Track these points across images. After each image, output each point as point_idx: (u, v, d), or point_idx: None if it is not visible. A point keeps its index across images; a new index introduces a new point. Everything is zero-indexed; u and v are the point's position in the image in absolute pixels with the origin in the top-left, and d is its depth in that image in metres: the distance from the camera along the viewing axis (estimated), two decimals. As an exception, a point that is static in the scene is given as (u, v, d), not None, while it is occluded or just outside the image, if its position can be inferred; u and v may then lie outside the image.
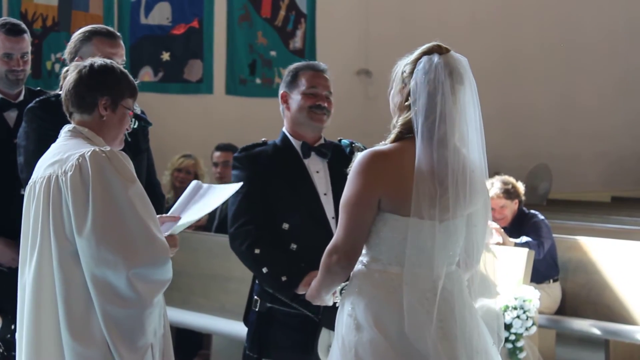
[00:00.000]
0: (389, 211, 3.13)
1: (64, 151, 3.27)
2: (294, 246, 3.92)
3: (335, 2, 10.58)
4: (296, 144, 4.05)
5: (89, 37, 4.17)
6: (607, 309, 6.45)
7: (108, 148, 3.26)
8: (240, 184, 3.72)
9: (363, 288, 3.18)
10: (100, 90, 3.34)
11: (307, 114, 4.01)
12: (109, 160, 3.20)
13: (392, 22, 10.84)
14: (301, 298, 3.72)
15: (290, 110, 4.05)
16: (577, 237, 6.87)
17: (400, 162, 3.12)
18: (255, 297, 4.02)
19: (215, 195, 3.55)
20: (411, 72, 3.15)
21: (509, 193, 6.78)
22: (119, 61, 4.01)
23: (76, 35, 4.23)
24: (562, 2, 12.60)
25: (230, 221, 3.99)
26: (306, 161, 4.03)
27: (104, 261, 3.14)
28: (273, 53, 10.08)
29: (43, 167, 3.31)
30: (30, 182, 3.34)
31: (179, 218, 3.47)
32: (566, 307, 6.68)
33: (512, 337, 5.82)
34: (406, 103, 3.16)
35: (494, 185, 6.75)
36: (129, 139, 3.93)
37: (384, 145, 3.18)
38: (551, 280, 6.65)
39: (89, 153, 3.20)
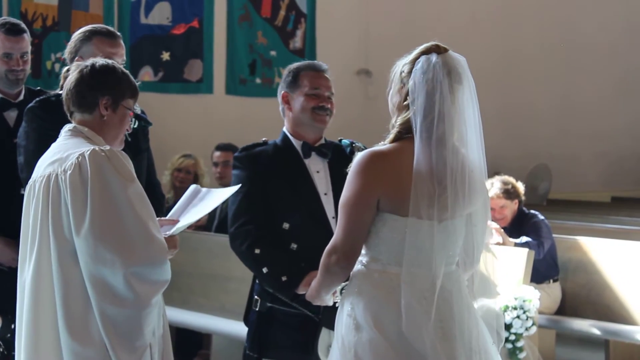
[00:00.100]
0: (388, 211, 3.13)
1: (64, 150, 3.28)
2: (294, 246, 3.92)
3: (335, 2, 10.57)
4: (297, 143, 4.05)
5: (89, 36, 4.17)
6: (607, 309, 6.45)
7: (108, 147, 3.27)
8: (239, 185, 3.72)
9: (362, 288, 3.18)
10: (102, 89, 3.35)
11: (310, 115, 4.01)
12: (108, 159, 3.21)
13: (392, 22, 10.84)
14: (301, 298, 3.72)
15: (292, 110, 4.05)
16: (577, 237, 6.87)
17: (399, 162, 3.12)
18: (256, 296, 4.02)
19: (214, 198, 3.56)
20: (409, 72, 3.15)
21: (509, 193, 6.78)
22: (119, 61, 4.01)
23: (76, 35, 4.23)
24: (562, 2, 12.59)
25: (230, 221, 3.99)
26: (307, 161, 4.03)
27: (102, 260, 3.15)
28: (273, 53, 10.08)
29: (43, 166, 3.32)
30: (30, 181, 3.35)
31: (177, 221, 3.47)
32: (566, 307, 6.68)
33: (512, 337, 5.82)
34: (405, 103, 3.16)
35: (494, 186, 6.75)
36: (129, 139, 3.93)
37: (383, 145, 3.18)
38: (551, 281, 6.65)
39: (89, 152, 3.21)
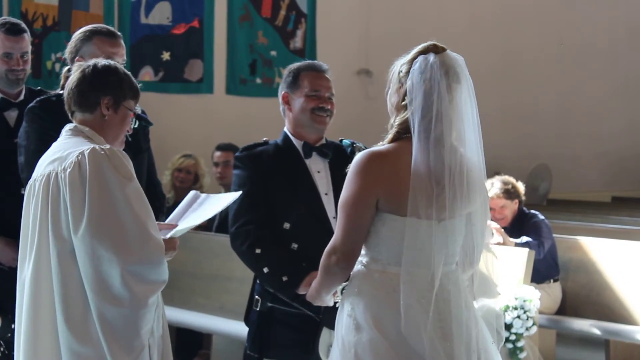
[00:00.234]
0: (387, 211, 3.13)
1: (64, 149, 3.29)
2: (295, 246, 3.92)
3: (335, 1, 10.58)
4: (297, 144, 4.05)
5: (89, 36, 4.17)
6: (608, 309, 6.45)
7: (108, 146, 3.27)
8: (239, 193, 3.72)
9: (362, 288, 3.18)
10: (103, 89, 3.36)
11: (309, 115, 4.01)
12: (108, 158, 3.22)
13: (392, 22, 10.84)
14: (302, 298, 3.72)
15: (292, 111, 4.05)
16: (578, 237, 6.87)
17: (397, 162, 3.12)
18: (256, 296, 4.02)
19: (213, 204, 3.56)
20: (407, 72, 3.16)
21: (509, 193, 6.79)
22: (120, 61, 4.01)
23: (77, 34, 4.23)
24: (562, 2, 12.59)
25: (231, 221, 3.99)
26: (307, 161, 4.03)
27: (99, 258, 3.16)
28: (273, 53, 10.08)
29: (43, 165, 3.33)
30: (31, 180, 3.36)
31: (175, 226, 3.47)
32: (566, 307, 6.69)
33: (513, 337, 5.82)
34: (403, 103, 3.16)
35: (494, 185, 6.75)
36: (130, 139, 3.93)
37: (382, 145, 3.18)
38: (551, 280, 6.65)
39: (89, 150, 3.22)
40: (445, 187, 3.10)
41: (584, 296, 6.63)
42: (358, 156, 3.17)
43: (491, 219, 6.40)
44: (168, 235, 3.39)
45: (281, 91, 4.09)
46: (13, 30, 4.48)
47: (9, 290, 3.65)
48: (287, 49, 10.17)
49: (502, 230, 6.49)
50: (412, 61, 3.16)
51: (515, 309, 5.82)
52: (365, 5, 10.88)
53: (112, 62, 3.45)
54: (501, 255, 5.96)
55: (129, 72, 3.47)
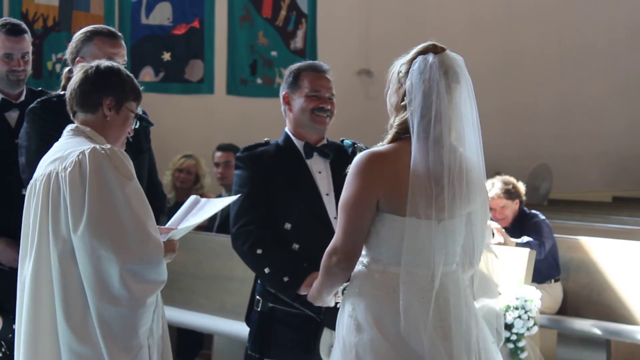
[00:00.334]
0: (387, 212, 3.13)
1: (65, 149, 3.30)
2: (296, 246, 3.92)
3: (336, 2, 10.58)
4: (299, 144, 4.05)
5: (90, 37, 4.17)
6: (609, 309, 6.45)
7: (109, 146, 3.28)
8: (238, 196, 3.71)
9: (363, 289, 3.18)
10: (106, 90, 3.37)
11: (309, 116, 4.01)
12: (108, 157, 3.22)
13: (393, 22, 10.84)
14: (303, 298, 3.72)
15: (292, 111, 4.05)
16: (578, 237, 6.87)
17: (397, 163, 3.12)
18: (257, 296, 4.02)
19: (213, 207, 3.56)
20: (407, 72, 3.16)
21: (510, 193, 6.79)
22: (120, 61, 4.01)
23: (77, 35, 4.23)
24: (562, 2, 12.59)
25: (232, 221, 3.99)
26: (308, 161, 4.04)
27: (98, 257, 3.16)
28: (274, 53, 10.09)
29: (44, 165, 3.34)
30: (32, 180, 3.37)
31: (175, 229, 3.47)
32: (567, 307, 6.69)
33: (514, 337, 5.82)
34: (402, 103, 3.16)
35: (495, 186, 6.75)
36: (131, 140, 3.93)
37: (382, 145, 3.18)
38: (552, 280, 6.66)
39: (89, 150, 3.23)
40: (445, 187, 3.10)
41: (584, 296, 6.63)
42: (358, 157, 3.17)
43: (492, 219, 6.41)
44: (168, 236, 3.39)
45: (282, 91, 4.09)
46: (14, 31, 4.48)
47: (10, 291, 3.65)
48: (288, 49, 10.17)
49: (503, 230, 6.49)
50: (411, 61, 3.16)
51: (517, 309, 5.82)
52: (365, 5, 10.88)
53: (114, 64, 3.47)
54: (502, 255, 5.96)
55: (131, 74, 3.48)
